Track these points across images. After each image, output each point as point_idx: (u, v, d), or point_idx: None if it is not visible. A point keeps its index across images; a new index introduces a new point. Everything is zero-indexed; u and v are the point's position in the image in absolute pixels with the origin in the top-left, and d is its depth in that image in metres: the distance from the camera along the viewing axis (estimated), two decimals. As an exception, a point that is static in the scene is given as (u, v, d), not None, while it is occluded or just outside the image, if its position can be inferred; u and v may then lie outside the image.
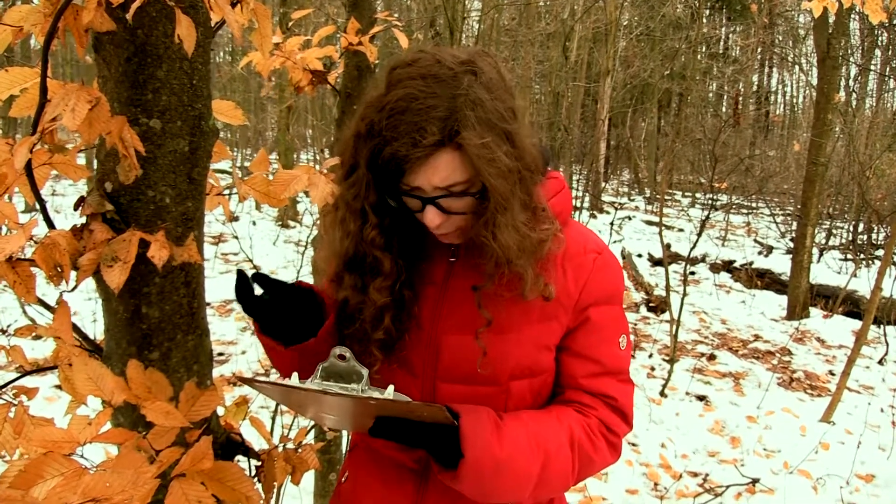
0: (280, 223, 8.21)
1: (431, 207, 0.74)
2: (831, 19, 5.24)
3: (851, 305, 5.52)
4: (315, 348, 0.79)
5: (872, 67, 10.96)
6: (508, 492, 0.75)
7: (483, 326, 0.78)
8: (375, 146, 0.72)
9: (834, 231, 8.23)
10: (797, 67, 13.33)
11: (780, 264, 6.54)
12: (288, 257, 6.44)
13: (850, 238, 7.78)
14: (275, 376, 2.59)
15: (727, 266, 6.97)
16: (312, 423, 1.15)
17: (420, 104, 0.70)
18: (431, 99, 0.70)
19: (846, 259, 7.30)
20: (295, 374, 0.73)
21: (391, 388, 0.71)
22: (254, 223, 8.04)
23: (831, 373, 4.28)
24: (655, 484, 2.77)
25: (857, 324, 5.10)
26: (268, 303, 0.77)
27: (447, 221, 0.76)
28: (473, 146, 0.70)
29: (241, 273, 0.77)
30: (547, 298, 0.78)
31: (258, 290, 0.78)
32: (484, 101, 0.71)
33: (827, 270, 6.50)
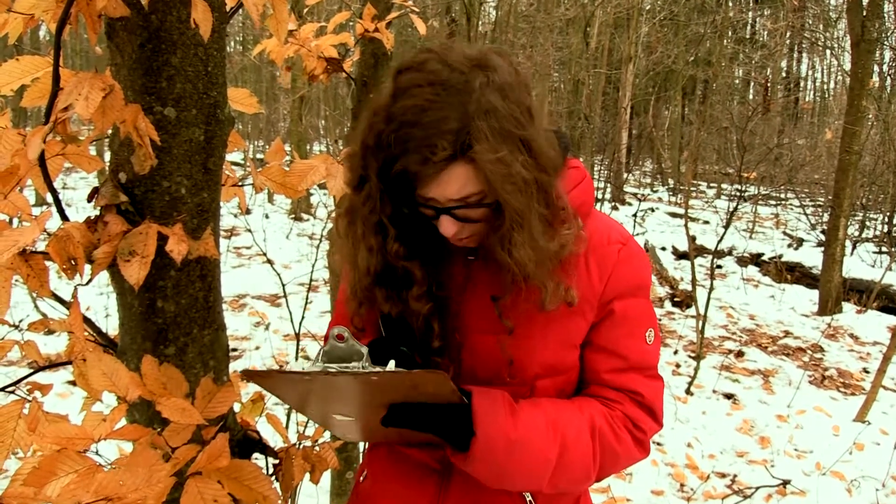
0: (293, 216, 8.21)
1: (446, 217, 0.72)
2: (865, 1, 5.01)
3: (886, 300, 5.32)
4: None
5: (910, 51, 10.47)
6: (524, 475, 0.74)
7: (505, 334, 0.77)
8: (385, 159, 0.69)
9: (868, 222, 7.94)
10: (828, 52, 12.84)
11: (811, 257, 6.33)
12: (301, 251, 6.44)
13: (885, 230, 7.49)
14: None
15: (755, 259, 6.78)
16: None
17: (429, 116, 0.65)
18: (441, 110, 0.65)
19: (881, 252, 7.03)
20: (301, 360, 0.71)
21: (392, 363, 0.70)
22: (266, 216, 8.06)
23: (865, 370, 4.13)
24: (682, 485, 2.71)
25: (892, 319, 4.93)
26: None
27: (463, 229, 0.74)
28: (487, 162, 0.66)
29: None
30: (570, 304, 0.76)
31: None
32: (497, 107, 0.66)
33: (860, 264, 6.27)
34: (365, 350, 0.71)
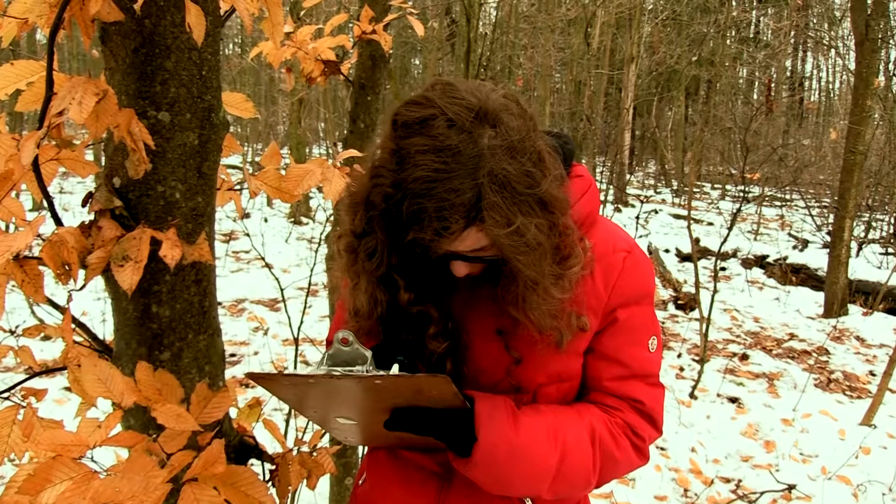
0: (292, 220, 8.19)
1: (459, 262, 0.72)
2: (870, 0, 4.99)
3: (893, 302, 5.27)
4: None
5: (916, 51, 10.39)
6: (525, 481, 0.74)
7: (512, 364, 0.77)
8: (394, 223, 0.69)
9: (874, 223, 7.88)
10: (833, 51, 12.78)
11: (817, 259, 6.29)
12: (301, 255, 6.42)
13: (891, 231, 7.43)
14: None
15: (760, 261, 6.74)
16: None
17: (439, 188, 0.63)
18: (451, 181, 0.63)
19: (887, 253, 6.98)
20: (301, 365, 0.71)
21: (396, 367, 0.71)
22: (265, 220, 8.05)
23: (872, 373, 4.09)
24: (685, 490, 2.68)
25: (899, 321, 4.88)
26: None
27: (474, 268, 0.74)
28: (501, 235, 0.65)
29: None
30: (583, 330, 0.77)
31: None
32: (508, 172, 0.64)
33: (866, 265, 6.22)
34: (369, 354, 0.71)
